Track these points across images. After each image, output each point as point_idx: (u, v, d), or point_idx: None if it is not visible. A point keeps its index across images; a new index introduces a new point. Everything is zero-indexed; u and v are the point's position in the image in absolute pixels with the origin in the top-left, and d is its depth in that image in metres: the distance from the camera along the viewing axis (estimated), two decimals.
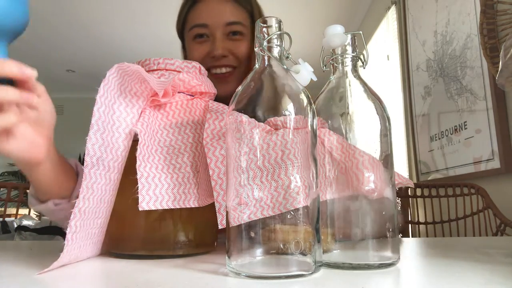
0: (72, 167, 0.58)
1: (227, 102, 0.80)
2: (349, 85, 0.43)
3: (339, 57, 0.43)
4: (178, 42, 0.92)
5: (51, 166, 0.51)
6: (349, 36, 0.43)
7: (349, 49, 0.43)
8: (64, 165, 0.55)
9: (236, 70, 0.81)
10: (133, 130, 0.45)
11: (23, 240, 1.40)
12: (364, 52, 0.44)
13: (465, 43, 1.68)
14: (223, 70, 0.80)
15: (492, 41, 0.65)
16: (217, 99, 0.78)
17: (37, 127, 0.46)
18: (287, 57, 0.40)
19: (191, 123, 0.51)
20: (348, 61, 0.43)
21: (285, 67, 0.39)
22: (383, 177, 0.40)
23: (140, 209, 0.42)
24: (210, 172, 0.45)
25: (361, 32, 0.43)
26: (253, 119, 0.36)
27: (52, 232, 1.45)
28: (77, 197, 0.41)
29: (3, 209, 1.43)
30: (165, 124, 0.50)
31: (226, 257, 0.35)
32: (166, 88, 0.50)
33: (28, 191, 0.61)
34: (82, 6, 3.37)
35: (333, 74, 0.44)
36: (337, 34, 0.42)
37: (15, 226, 1.51)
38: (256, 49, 0.39)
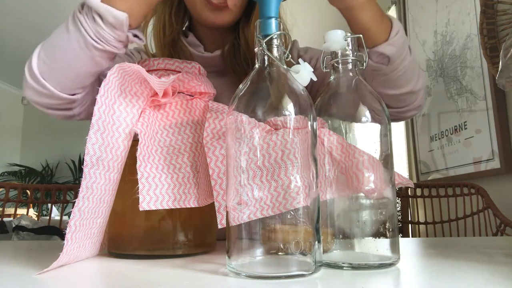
0: None
1: (216, 32, 0.83)
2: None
3: (340, 59, 0.43)
4: None
5: None
6: (350, 39, 0.43)
7: (349, 52, 0.43)
8: None
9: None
10: (133, 130, 0.45)
11: (20, 240, 1.40)
12: (365, 52, 0.44)
13: (465, 43, 1.68)
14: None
15: (492, 41, 0.65)
16: (207, 28, 0.82)
17: None
18: (287, 57, 0.40)
19: (191, 123, 0.51)
20: (349, 63, 0.43)
21: (285, 67, 0.39)
22: (383, 177, 0.40)
23: (141, 209, 0.42)
24: (210, 172, 0.45)
25: (361, 35, 0.44)
26: (253, 119, 0.36)
27: (50, 232, 1.45)
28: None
29: (1, 209, 1.42)
30: (165, 124, 0.50)
31: (226, 257, 0.35)
32: (166, 88, 0.50)
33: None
34: None
35: (334, 75, 0.44)
36: (338, 41, 0.42)
37: (13, 226, 1.50)
38: (256, 49, 0.39)
